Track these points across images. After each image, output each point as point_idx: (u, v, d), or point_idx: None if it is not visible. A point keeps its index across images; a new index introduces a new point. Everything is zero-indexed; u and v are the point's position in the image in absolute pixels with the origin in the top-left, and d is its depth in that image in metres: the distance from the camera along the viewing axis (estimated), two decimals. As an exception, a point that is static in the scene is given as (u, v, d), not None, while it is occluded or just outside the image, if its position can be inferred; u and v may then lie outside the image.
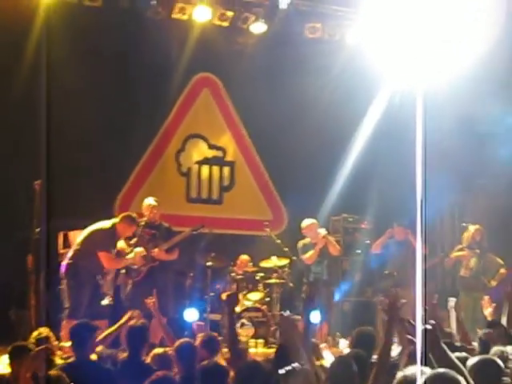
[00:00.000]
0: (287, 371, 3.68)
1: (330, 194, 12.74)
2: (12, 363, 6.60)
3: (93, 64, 12.37)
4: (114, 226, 10.07)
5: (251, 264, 12.77)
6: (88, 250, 9.90)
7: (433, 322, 4.64)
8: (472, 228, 11.95)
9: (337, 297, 12.31)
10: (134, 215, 10.22)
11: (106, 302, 10.25)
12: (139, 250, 10.27)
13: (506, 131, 11.73)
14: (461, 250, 11.98)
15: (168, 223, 10.85)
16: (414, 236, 11.52)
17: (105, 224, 10.13)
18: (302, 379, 3.70)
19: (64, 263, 10.04)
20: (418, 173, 3.82)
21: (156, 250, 10.39)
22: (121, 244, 10.41)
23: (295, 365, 3.64)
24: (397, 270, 11.70)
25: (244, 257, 12.80)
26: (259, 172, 14.34)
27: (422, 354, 3.95)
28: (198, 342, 7.14)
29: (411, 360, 5.22)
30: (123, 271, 10.39)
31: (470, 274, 11.82)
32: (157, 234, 10.49)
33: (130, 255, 10.22)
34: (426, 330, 4.47)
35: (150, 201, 10.60)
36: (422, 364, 3.86)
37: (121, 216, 10.22)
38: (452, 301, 7.28)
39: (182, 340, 7.28)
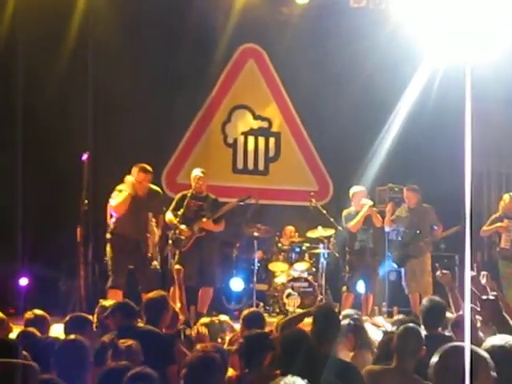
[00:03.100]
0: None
1: (376, 163, 12.69)
2: (69, 334, 6.63)
3: (139, 39, 12.49)
4: None
5: (297, 234, 12.85)
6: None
7: (495, 293, 4.88)
8: (507, 197, 11.79)
9: (383, 267, 12.34)
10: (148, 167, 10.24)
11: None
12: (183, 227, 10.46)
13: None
14: (498, 219, 11.79)
15: (214, 194, 10.93)
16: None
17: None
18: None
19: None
20: (466, 147, 3.80)
21: (204, 219, 10.49)
22: (169, 216, 10.54)
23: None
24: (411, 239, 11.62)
25: (290, 227, 12.91)
26: (304, 143, 14.35)
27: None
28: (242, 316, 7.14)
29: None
30: (170, 242, 10.50)
31: (511, 245, 11.66)
32: (204, 205, 10.58)
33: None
34: (489, 300, 4.77)
35: (196, 172, 10.67)
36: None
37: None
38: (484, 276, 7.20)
39: (251, 309, 7.43)
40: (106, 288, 9.80)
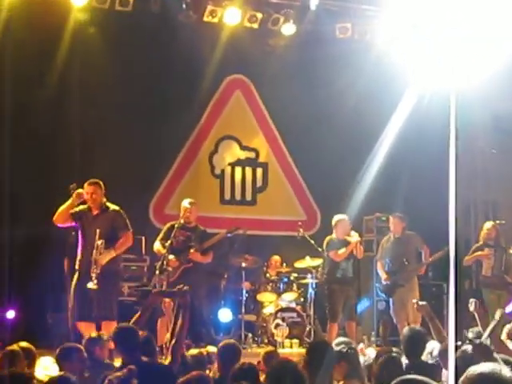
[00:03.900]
0: None
1: (363, 192, 12.72)
2: (61, 364, 6.58)
3: (124, 69, 12.55)
4: None
5: (284, 264, 12.83)
6: None
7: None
8: (486, 225, 11.86)
9: (367, 296, 12.36)
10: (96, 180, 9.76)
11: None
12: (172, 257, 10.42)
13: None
14: (479, 248, 11.84)
15: (202, 225, 10.93)
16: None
17: None
18: None
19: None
20: (450, 173, 3.80)
21: (192, 250, 10.50)
22: (157, 246, 10.55)
23: None
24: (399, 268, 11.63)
25: (275, 257, 12.90)
26: (292, 173, 14.37)
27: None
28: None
29: None
30: (157, 272, 10.46)
31: (492, 272, 11.69)
32: (192, 236, 10.60)
33: None
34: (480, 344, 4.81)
35: (185, 203, 10.69)
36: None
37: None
38: (472, 303, 7.30)
39: (226, 341, 7.34)
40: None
